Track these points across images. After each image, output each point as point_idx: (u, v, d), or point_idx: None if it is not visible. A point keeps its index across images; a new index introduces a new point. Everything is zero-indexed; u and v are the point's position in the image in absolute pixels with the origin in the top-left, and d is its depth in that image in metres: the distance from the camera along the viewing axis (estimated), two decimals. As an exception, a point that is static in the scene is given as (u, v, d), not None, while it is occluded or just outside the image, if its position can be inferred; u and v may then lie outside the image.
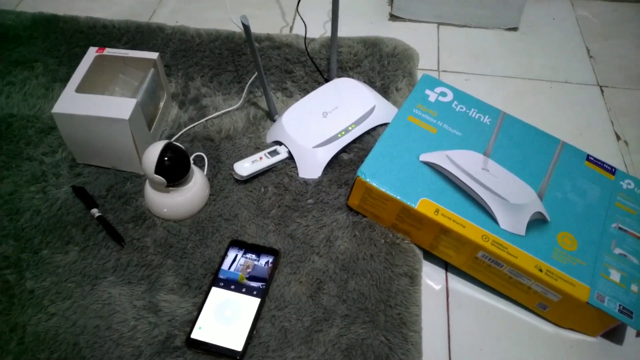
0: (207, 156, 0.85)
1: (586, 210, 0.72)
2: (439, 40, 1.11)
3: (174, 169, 0.73)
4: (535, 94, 1.01)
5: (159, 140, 0.88)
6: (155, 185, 0.76)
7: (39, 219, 0.78)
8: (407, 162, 0.75)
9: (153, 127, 0.86)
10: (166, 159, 0.72)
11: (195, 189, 0.77)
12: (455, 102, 0.83)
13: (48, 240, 0.76)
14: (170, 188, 0.75)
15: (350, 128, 0.85)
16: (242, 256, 0.73)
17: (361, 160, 0.83)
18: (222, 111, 0.93)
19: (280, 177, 0.83)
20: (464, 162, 0.75)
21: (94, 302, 0.70)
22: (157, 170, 0.72)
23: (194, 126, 0.91)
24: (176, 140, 0.89)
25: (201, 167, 0.84)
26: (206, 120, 0.92)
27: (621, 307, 0.63)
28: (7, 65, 1.01)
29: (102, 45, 0.98)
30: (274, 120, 0.91)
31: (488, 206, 0.70)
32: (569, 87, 1.02)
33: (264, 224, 0.78)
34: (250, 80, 0.96)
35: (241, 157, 0.85)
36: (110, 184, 0.83)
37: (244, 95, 0.95)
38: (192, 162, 0.78)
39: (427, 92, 0.85)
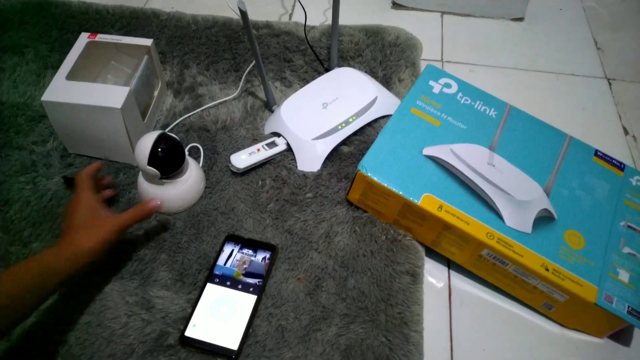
0: (202, 147, 0.83)
1: (594, 208, 0.70)
2: (443, 30, 1.09)
3: (167, 161, 0.71)
4: (541, 86, 0.98)
5: (153, 130, 0.86)
6: (149, 177, 0.73)
7: (28, 210, 0.76)
8: (410, 156, 0.72)
9: (147, 116, 0.83)
10: (160, 150, 0.69)
11: (190, 182, 0.75)
12: (460, 94, 0.81)
13: (38, 233, 0.74)
14: (164, 180, 0.73)
15: (350, 120, 0.83)
16: (238, 251, 0.71)
17: (362, 153, 0.81)
18: (219, 100, 0.90)
19: (278, 170, 0.81)
20: (469, 157, 0.72)
21: (84, 297, 0.67)
22: (150, 162, 0.69)
23: (189, 116, 0.88)
24: (171, 130, 0.86)
25: (196, 158, 0.82)
26: (202, 110, 0.89)
27: (630, 308, 0.61)
28: (-4, 50, 0.98)
29: (95, 31, 0.94)
30: (272, 111, 0.89)
31: (493, 202, 0.68)
32: (576, 80, 1.00)
33: (261, 218, 0.75)
34: (248, 69, 0.93)
35: (238, 149, 0.82)
36: (102, 175, 0.80)
37: (241, 84, 0.92)
38: (187, 153, 0.76)
39: (431, 83, 0.82)
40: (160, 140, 0.70)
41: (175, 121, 0.87)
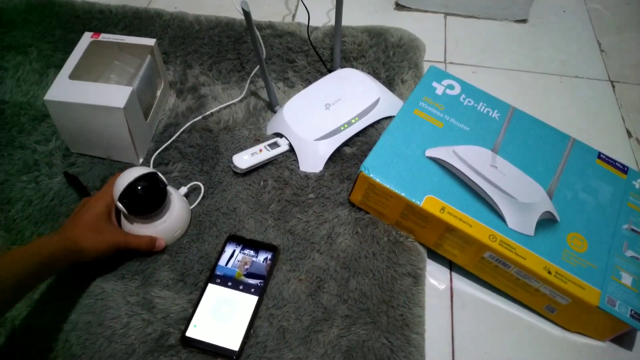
0: (204, 185, 0.78)
1: (597, 211, 0.70)
2: (446, 31, 1.08)
3: (138, 203, 0.67)
4: (545, 88, 0.98)
5: (156, 128, 0.86)
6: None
7: (30, 209, 0.76)
8: (413, 157, 0.72)
9: (150, 116, 0.83)
10: (134, 190, 0.66)
11: (164, 225, 0.71)
12: (463, 96, 0.81)
13: (40, 232, 0.74)
14: (133, 217, 0.70)
15: (353, 121, 0.83)
16: (239, 252, 0.71)
17: (364, 154, 0.81)
18: (225, 104, 0.89)
19: (280, 171, 0.80)
20: (472, 159, 0.72)
21: (86, 297, 0.67)
22: (121, 198, 0.66)
23: (195, 121, 0.87)
24: (178, 134, 0.85)
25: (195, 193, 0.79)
26: (204, 114, 0.88)
27: (633, 312, 0.61)
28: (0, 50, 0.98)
29: (98, 30, 0.95)
30: (275, 112, 0.88)
31: (496, 205, 0.68)
32: (579, 82, 0.99)
33: (262, 218, 0.75)
34: (254, 72, 0.93)
35: (240, 149, 0.82)
36: (104, 175, 0.80)
37: (246, 87, 0.91)
38: (169, 193, 0.71)
39: (434, 84, 0.82)
40: (139, 180, 0.66)
41: (182, 128, 0.85)
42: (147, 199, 0.68)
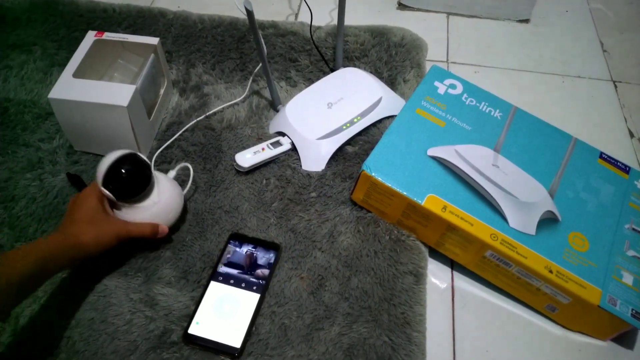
0: (192, 167, 0.76)
1: (598, 210, 0.70)
2: (449, 31, 1.08)
3: (124, 185, 0.66)
4: (547, 88, 0.98)
5: (159, 126, 0.86)
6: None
7: (34, 207, 0.76)
8: (414, 156, 0.72)
9: (153, 114, 0.84)
10: (116, 172, 0.65)
11: (154, 210, 0.69)
12: (465, 95, 0.81)
13: (43, 229, 0.74)
14: (121, 203, 0.68)
15: (355, 120, 0.83)
16: (242, 250, 0.71)
17: (366, 153, 0.81)
18: (227, 104, 0.89)
19: (282, 169, 0.81)
20: (473, 158, 0.72)
21: (89, 294, 0.68)
22: (105, 183, 0.65)
23: (198, 119, 0.87)
24: (180, 133, 0.85)
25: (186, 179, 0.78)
26: (207, 113, 0.88)
27: (634, 311, 0.61)
28: (4, 48, 0.98)
29: (102, 29, 0.95)
30: (277, 111, 0.89)
31: (497, 204, 0.68)
32: (582, 82, 0.99)
33: (265, 217, 0.76)
34: (255, 71, 0.93)
35: (243, 148, 0.82)
36: (108, 173, 0.80)
37: (248, 86, 0.92)
38: (155, 178, 0.70)
39: (436, 84, 0.82)
40: (119, 162, 0.66)
41: (185, 127, 0.85)
42: (130, 179, 0.66)
